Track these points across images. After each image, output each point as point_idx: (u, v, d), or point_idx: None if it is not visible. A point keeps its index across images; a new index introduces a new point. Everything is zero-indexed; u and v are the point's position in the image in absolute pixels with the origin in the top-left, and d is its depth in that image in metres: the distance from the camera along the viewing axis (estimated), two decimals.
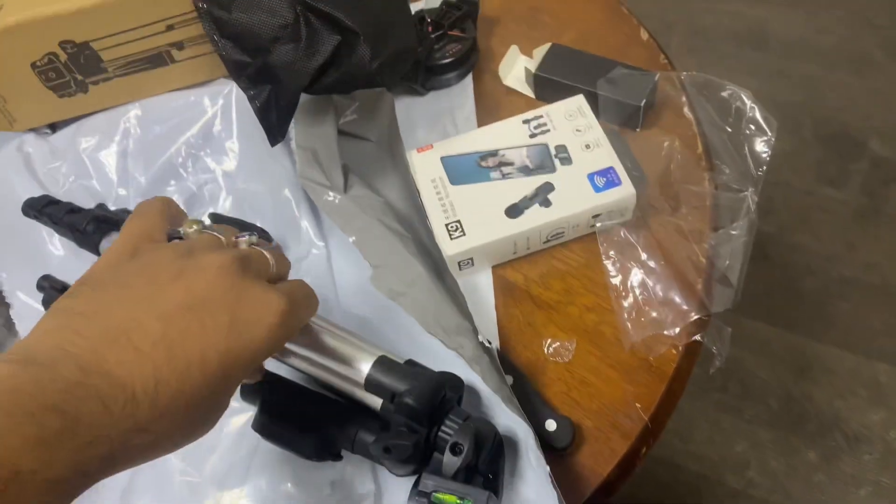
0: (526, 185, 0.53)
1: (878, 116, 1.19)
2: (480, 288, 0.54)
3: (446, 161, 0.55)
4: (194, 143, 0.61)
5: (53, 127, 0.65)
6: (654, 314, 0.50)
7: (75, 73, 0.60)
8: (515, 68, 0.63)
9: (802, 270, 1.09)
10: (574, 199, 0.52)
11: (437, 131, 0.62)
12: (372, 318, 0.53)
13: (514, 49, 0.63)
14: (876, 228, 1.09)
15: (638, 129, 0.58)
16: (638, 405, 0.48)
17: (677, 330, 0.49)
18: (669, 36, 1.26)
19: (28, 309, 0.56)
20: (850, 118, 1.19)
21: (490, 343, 0.46)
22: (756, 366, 1.04)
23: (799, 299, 1.07)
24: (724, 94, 0.56)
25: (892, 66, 1.24)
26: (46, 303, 0.52)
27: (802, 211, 1.12)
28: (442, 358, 0.46)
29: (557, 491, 0.41)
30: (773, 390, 1.02)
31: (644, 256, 0.52)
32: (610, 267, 0.52)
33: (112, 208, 0.58)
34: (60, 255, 0.58)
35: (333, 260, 0.57)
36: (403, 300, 0.48)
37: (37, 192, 0.60)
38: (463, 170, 0.55)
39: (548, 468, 0.42)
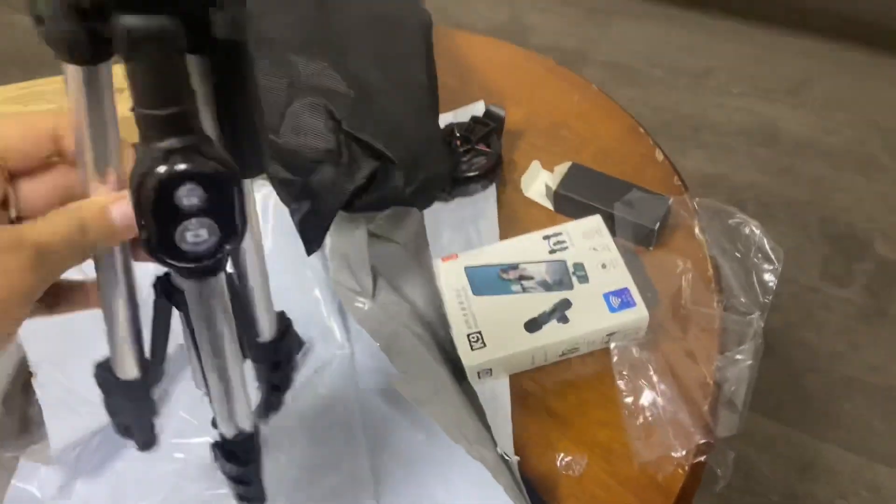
0: (545, 301, 0.56)
1: (883, 218, 1.23)
2: (498, 396, 0.56)
3: (469, 271, 0.59)
4: None
5: None
6: (663, 435, 0.53)
7: None
8: (536, 182, 0.67)
9: (806, 367, 1.11)
10: (590, 317, 0.55)
11: (461, 236, 0.65)
12: (395, 418, 0.56)
13: (535, 164, 0.67)
14: (880, 329, 1.12)
15: (651, 249, 0.62)
16: None
17: (684, 452, 0.52)
18: (683, 129, 1.31)
19: None
20: (855, 218, 1.23)
21: (509, 457, 0.48)
22: (760, 461, 1.05)
23: (803, 396, 1.09)
24: (734, 221, 0.60)
25: None
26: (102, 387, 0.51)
27: (807, 308, 1.15)
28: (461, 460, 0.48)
29: None
30: (775, 486, 1.03)
31: (655, 377, 0.55)
32: (622, 385, 0.55)
33: None
34: None
35: (357, 362, 0.60)
36: (429, 408, 0.51)
37: None
38: (485, 281, 0.58)
39: None
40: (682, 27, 1.49)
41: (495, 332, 0.55)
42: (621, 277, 0.57)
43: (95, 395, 0.55)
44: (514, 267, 0.59)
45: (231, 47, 0.30)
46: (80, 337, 0.60)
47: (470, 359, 0.54)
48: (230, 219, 0.29)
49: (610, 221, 0.61)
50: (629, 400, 0.54)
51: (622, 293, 0.56)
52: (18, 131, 0.33)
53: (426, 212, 0.63)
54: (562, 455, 0.53)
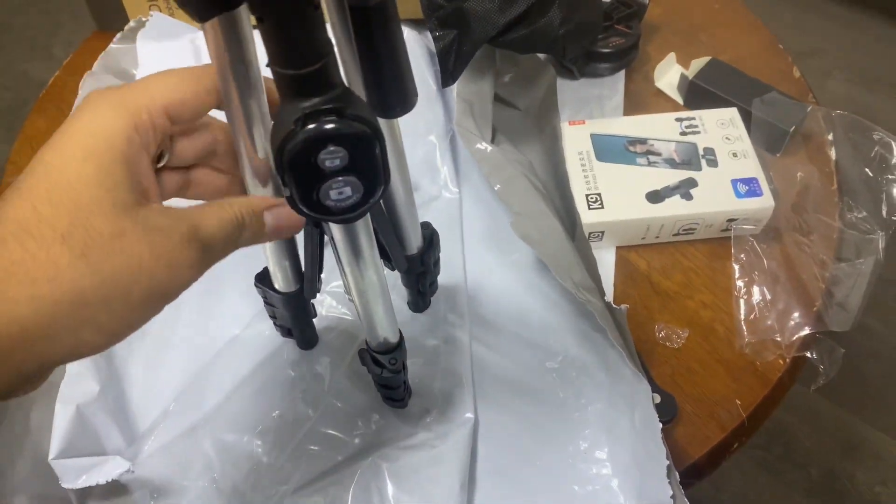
0: (670, 176, 0.55)
1: None
2: (603, 264, 0.55)
3: (595, 138, 0.58)
4: None
5: None
6: (770, 321, 0.52)
7: None
8: (669, 74, 0.65)
9: (868, 353, 1.09)
10: (715, 198, 0.54)
11: (583, 115, 0.64)
12: (494, 266, 0.56)
13: (671, 56, 0.65)
14: None
15: (778, 155, 0.60)
16: (738, 402, 0.50)
17: (790, 341, 0.51)
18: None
19: None
20: None
21: (621, 306, 0.48)
22: (803, 433, 1.03)
23: (859, 380, 1.07)
24: (873, 137, 0.58)
25: None
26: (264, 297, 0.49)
27: (876, 296, 1.13)
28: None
29: (666, 447, 0.43)
30: (816, 460, 1.02)
31: (770, 267, 0.54)
32: (737, 268, 0.54)
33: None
34: None
35: (464, 207, 0.59)
36: (539, 248, 0.50)
37: None
38: (610, 149, 0.57)
39: (660, 425, 0.43)
40: (794, 5, 1.46)
41: (615, 197, 0.55)
42: (752, 167, 0.56)
43: None
44: (643, 141, 0.58)
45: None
46: None
47: (585, 217, 0.54)
48: (373, 175, 0.29)
49: (745, 120, 0.60)
50: (740, 283, 0.53)
51: (751, 182, 0.55)
52: (191, 86, 0.32)
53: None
54: (661, 325, 0.53)
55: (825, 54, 1.39)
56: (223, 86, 0.31)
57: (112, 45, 0.64)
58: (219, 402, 0.49)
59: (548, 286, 0.54)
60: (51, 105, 0.68)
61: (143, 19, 0.64)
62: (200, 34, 0.66)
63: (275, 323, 0.51)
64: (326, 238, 0.40)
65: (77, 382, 0.47)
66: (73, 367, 0.47)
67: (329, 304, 0.54)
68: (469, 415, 0.48)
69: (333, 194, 0.29)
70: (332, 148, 0.27)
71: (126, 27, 0.64)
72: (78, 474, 0.42)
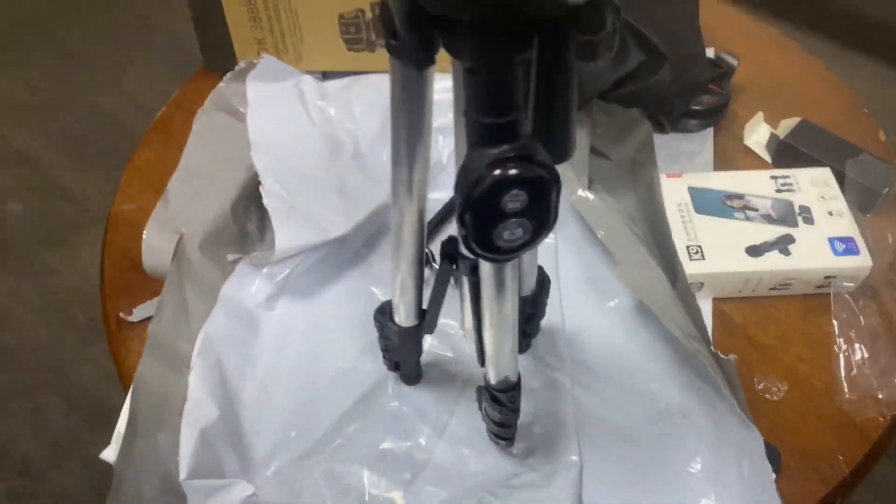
0: (768, 232, 0.57)
1: None
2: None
3: (693, 191, 0.60)
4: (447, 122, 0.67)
5: (325, 75, 0.71)
6: (871, 378, 0.52)
7: (372, 32, 0.67)
8: (758, 132, 0.67)
9: None
10: (813, 255, 0.55)
11: (674, 168, 0.66)
12: (591, 312, 0.57)
13: (760, 115, 0.67)
14: None
15: (870, 215, 0.61)
16: (840, 457, 0.50)
17: (892, 397, 0.51)
18: None
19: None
20: None
21: (729, 357, 0.48)
22: None
23: None
24: None
25: None
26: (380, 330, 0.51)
27: None
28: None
29: (780, 499, 0.43)
30: None
31: (868, 324, 0.54)
32: (836, 324, 0.55)
33: (361, 155, 0.64)
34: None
35: (560, 254, 0.61)
36: (646, 295, 0.51)
37: (304, 123, 0.66)
38: (708, 203, 0.59)
39: (773, 475, 0.44)
40: (879, 80, 1.48)
41: (715, 249, 0.56)
42: (849, 226, 0.57)
43: (313, 213, 0.57)
44: (740, 196, 0.59)
45: (560, 42, 0.29)
46: (301, 155, 0.63)
47: (687, 268, 0.55)
48: (546, 218, 0.30)
49: (838, 180, 0.61)
50: (841, 339, 0.54)
51: (848, 241, 0.56)
52: None
53: None
54: (759, 378, 0.53)
55: None
56: (395, 132, 0.34)
57: (221, 85, 0.67)
58: (328, 433, 0.51)
59: (648, 334, 0.55)
60: (157, 138, 0.71)
61: (254, 61, 0.67)
62: (306, 77, 0.69)
63: (385, 356, 0.52)
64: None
65: (198, 407, 0.48)
66: (193, 392, 0.49)
67: (431, 343, 0.55)
68: (574, 458, 0.49)
69: (506, 234, 0.31)
70: (515, 191, 0.29)
71: (237, 67, 0.67)
72: (206, 495, 0.44)
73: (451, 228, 0.50)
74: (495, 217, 0.30)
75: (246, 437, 0.50)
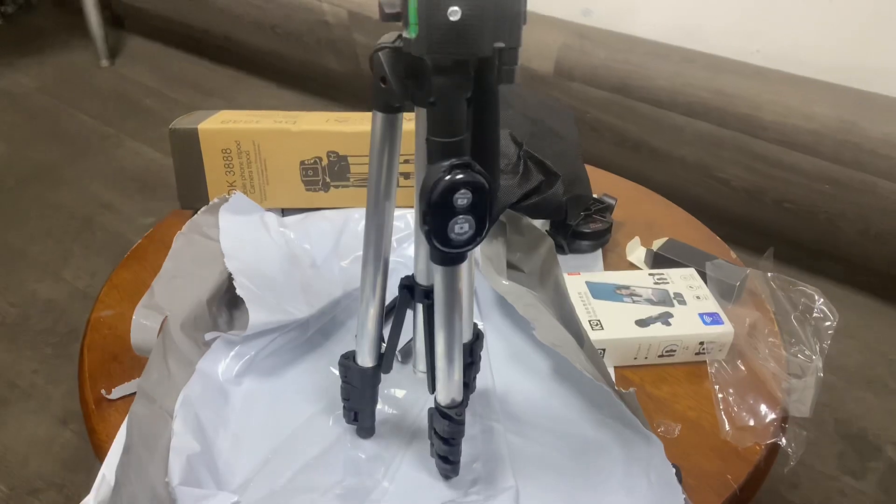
0: (651, 311, 0.71)
1: (892, 430, 1.35)
2: None
3: (590, 284, 0.74)
4: (394, 245, 0.81)
5: (283, 212, 0.85)
6: (746, 417, 0.64)
7: (327, 176, 0.83)
8: (637, 251, 0.84)
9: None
10: (688, 325, 0.69)
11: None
12: (517, 378, 0.68)
13: (637, 238, 0.85)
14: None
15: (730, 305, 0.77)
16: (729, 476, 0.60)
17: (764, 428, 0.63)
18: None
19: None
20: (868, 426, 1.35)
21: (626, 390, 0.60)
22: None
23: None
24: (800, 288, 0.76)
25: None
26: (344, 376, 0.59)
27: (826, 492, 1.24)
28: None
29: (684, 492, 0.53)
30: None
31: (738, 377, 0.67)
32: (713, 377, 0.67)
33: (317, 266, 0.76)
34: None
35: (488, 335, 0.72)
36: (561, 349, 0.63)
37: (267, 243, 0.78)
38: (602, 291, 0.73)
39: (673, 469, 0.54)
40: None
41: (611, 323, 0.69)
42: (713, 306, 0.72)
43: (280, 301, 0.68)
44: (626, 287, 0.74)
45: (490, 93, 0.43)
46: (266, 263, 0.74)
47: (591, 337, 0.67)
48: (484, 217, 0.43)
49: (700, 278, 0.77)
50: (717, 387, 0.66)
51: (714, 315, 0.71)
52: None
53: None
54: (658, 422, 0.64)
55: None
56: (374, 158, 0.47)
57: (196, 216, 0.79)
58: (294, 475, 0.57)
59: (564, 390, 0.66)
60: (134, 263, 0.81)
61: (226, 196, 0.80)
62: (268, 213, 0.83)
63: (345, 407, 0.60)
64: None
65: (183, 442, 0.55)
66: (178, 430, 0.56)
67: (382, 406, 0.64)
68: (511, 483, 0.57)
69: (457, 229, 0.43)
70: (464, 191, 0.42)
71: (211, 203, 0.80)
72: (195, 500, 0.49)
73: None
74: (449, 212, 0.43)
75: (222, 474, 0.56)
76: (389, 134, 0.47)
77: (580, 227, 0.83)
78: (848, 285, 1.66)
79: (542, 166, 0.72)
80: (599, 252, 0.85)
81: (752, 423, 0.64)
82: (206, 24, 2.35)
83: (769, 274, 0.79)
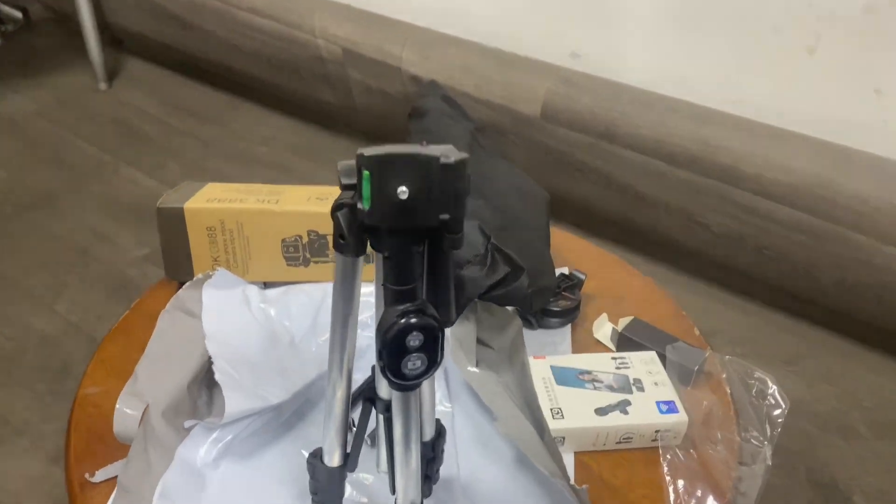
0: (611, 398, 0.74)
1: (862, 478, 1.39)
2: (565, 464, 0.72)
3: (553, 368, 0.78)
4: (368, 321, 0.84)
5: (265, 284, 0.89)
6: None
7: (307, 252, 0.86)
8: (603, 328, 0.88)
9: None
10: (645, 413, 0.73)
11: (540, 353, 0.84)
12: (481, 464, 0.71)
13: (604, 315, 0.88)
14: None
15: (688, 388, 0.80)
16: None
17: None
18: None
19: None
20: (838, 474, 1.39)
21: (583, 486, 0.63)
22: None
23: None
24: (755, 375, 0.79)
25: (874, 441, 1.47)
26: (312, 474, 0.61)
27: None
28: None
29: None
30: None
31: (689, 466, 0.71)
32: (665, 467, 0.71)
33: (295, 344, 0.80)
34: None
35: (456, 420, 0.76)
36: (521, 443, 0.67)
37: (248, 321, 0.82)
38: (566, 377, 0.77)
39: None
40: (696, 294, 1.78)
41: (572, 411, 0.73)
42: (669, 393, 0.76)
43: (257, 386, 0.71)
44: (588, 372, 0.78)
45: (440, 249, 0.46)
46: (246, 345, 0.77)
47: (551, 424, 0.71)
48: (435, 355, 0.45)
49: (661, 360, 0.81)
50: (668, 477, 0.70)
51: (669, 403, 0.74)
52: None
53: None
54: None
55: (724, 334, 1.69)
56: (335, 300, 0.51)
57: (181, 292, 0.83)
58: None
59: (524, 477, 0.70)
60: (121, 336, 0.85)
61: (210, 273, 0.84)
62: (251, 286, 0.87)
63: (314, 500, 0.64)
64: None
65: None
66: None
67: (350, 493, 0.67)
68: None
69: (410, 365, 0.47)
70: (415, 333, 0.46)
71: (195, 278, 0.84)
72: None
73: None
74: (402, 351, 0.46)
75: None
76: (351, 273, 0.50)
77: (549, 304, 0.87)
78: (828, 329, 1.70)
79: (509, 259, 0.75)
80: (568, 328, 0.88)
81: None
82: (204, 52, 2.38)
83: (727, 357, 0.82)
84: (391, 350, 0.46)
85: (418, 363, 0.47)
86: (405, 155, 0.41)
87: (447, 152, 0.41)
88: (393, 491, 0.58)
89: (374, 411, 0.58)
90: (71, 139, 2.28)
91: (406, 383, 0.48)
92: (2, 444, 1.37)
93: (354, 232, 0.46)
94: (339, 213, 0.46)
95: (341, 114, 2.20)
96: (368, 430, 0.65)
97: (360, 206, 0.43)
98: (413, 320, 0.45)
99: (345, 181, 0.44)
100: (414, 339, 0.46)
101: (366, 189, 0.42)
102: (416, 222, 0.42)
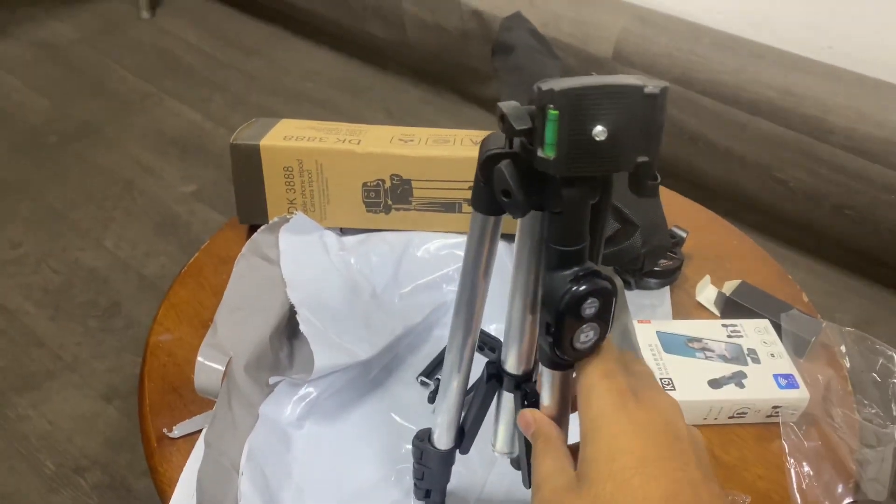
0: (724, 369, 0.68)
1: None
2: None
3: (661, 335, 0.71)
4: (453, 274, 0.78)
5: (343, 231, 0.83)
6: (818, 492, 0.62)
7: (388, 198, 0.80)
8: (707, 291, 0.81)
9: None
10: (762, 388, 0.67)
11: (639, 317, 0.78)
12: None
13: (707, 277, 0.81)
14: None
15: (802, 360, 0.74)
16: None
17: None
18: None
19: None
20: None
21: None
22: None
23: None
24: (877, 348, 0.73)
25: None
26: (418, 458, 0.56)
27: None
28: None
29: None
30: None
31: (811, 447, 0.65)
32: (786, 446, 0.65)
33: (377, 296, 0.74)
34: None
35: None
36: None
37: (328, 268, 0.76)
38: (674, 344, 0.70)
39: None
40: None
41: (683, 382, 0.67)
42: (788, 366, 0.69)
43: (343, 339, 0.66)
44: (699, 340, 0.71)
45: (606, 193, 0.39)
46: (328, 294, 0.72)
47: None
48: (607, 324, 0.39)
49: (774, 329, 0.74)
50: (791, 459, 0.64)
51: (788, 377, 0.68)
52: None
53: None
54: (728, 492, 0.63)
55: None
56: (470, 260, 0.44)
57: (256, 235, 0.77)
58: None
59: None
60: (191, 280, 0.79)
61: (287, 216, 0.78)
62: (328, 232, 0.81)
63: (416, 486, 0.58)
64: None
65: (250, 502, 0.54)
66: (245, 490, 0.55)
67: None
68: None
69: (582, 338, 0.40)
70: (592, 300, 0.39)
71: (271, 222, 0.78)
72: None
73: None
74: (576, 323, 0.39)
75: None
76: (491, 235, 0.44)
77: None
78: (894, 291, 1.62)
79: (620, 214, 0.68)
80: (667, 289, 0.82)
81: (823, 498, 0.62)
82: None
83: (845, 329, 0.75)
84: (563, 321, 0.39)
85: (591, 334, 0.40)
86: (606, 87, 0.34)
87: (645, 81, 0.34)
88: (527, 485, 0.52)
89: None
90: (114, 68, 2.22)
91: (573, 360, 0.41)
92: (53, 379, 1.34)
93: (524, 187, 0.39)
94: (502, 166, 0.39)
95: (392, 49, 2.11)
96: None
97: (540, 153, 0.36)
98: (587, 286, 0.39)
99: (517, 126, 0.37)
100: (590, 307, 0.39)
101: (550, 132, 0.35)
102: (613, 167, 0.36)
